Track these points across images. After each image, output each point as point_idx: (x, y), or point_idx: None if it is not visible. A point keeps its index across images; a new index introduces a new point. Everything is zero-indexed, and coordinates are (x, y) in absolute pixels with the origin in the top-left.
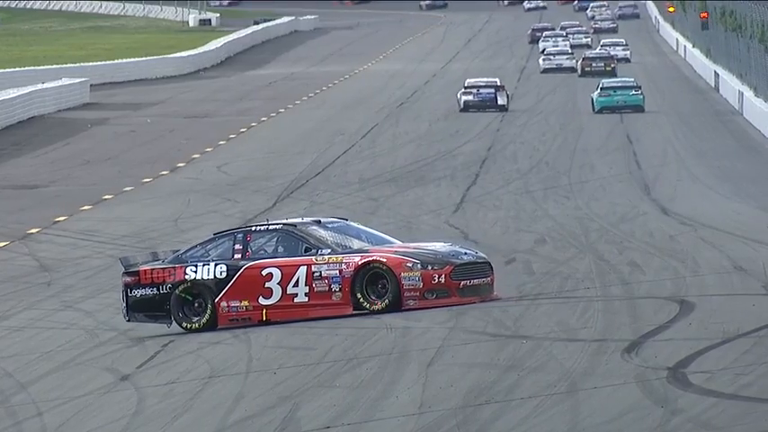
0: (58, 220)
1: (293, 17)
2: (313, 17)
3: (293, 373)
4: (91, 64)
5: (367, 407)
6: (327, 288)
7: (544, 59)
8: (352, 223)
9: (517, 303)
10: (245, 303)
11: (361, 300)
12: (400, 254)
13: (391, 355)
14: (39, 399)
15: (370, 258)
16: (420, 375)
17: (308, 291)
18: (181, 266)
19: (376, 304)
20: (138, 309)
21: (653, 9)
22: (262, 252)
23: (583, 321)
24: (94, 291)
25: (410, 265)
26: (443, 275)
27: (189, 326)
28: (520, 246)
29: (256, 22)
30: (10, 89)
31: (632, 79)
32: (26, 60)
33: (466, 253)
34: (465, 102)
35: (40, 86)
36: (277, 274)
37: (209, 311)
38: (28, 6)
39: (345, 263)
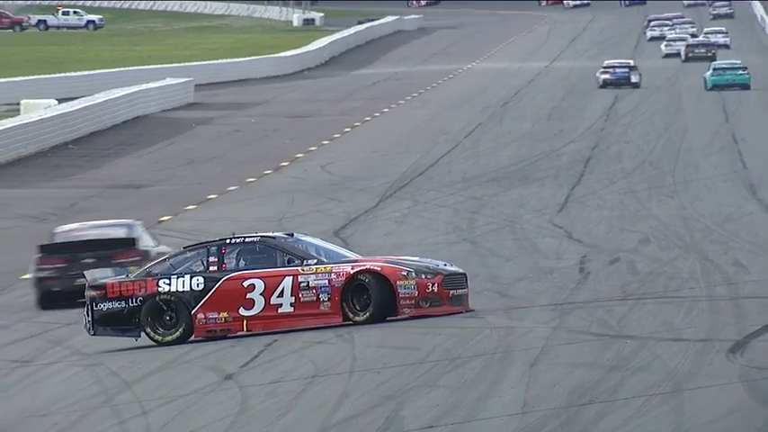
0: (162, 219)
1: (397, 17)
2: (417, 17)
3: (396, 373)
4: (195, 64)
5: (470, 406)
6: (315, 298)
7: (666, 45)
8: (301, 237)
9: (621, 303)
10: (224, 315)
11: (347, 310)
12: (392, 263)
13: (494, 355)
14: (143, 398)
15: (363, 267)
16: (523, 375)
17: (293, 301)
18: (152, 279)
19: (358, 315)
20: (104, 322)
21: (758, 8)
22: (239, 264)
23: (687, 321)
24: None
25: (405, 273)
26: (436, 284)
27: (161, 338)
28: (624, 245)
29: (360, 22)
30: (115, 89)
31: (740, 61)
32: (131, 60)
33: (445, 264)
34: (603, 80)
35: (144, 86)
36: (260, 284)
37: (183, 323)
38: (133, 7)
39: (336, 272)
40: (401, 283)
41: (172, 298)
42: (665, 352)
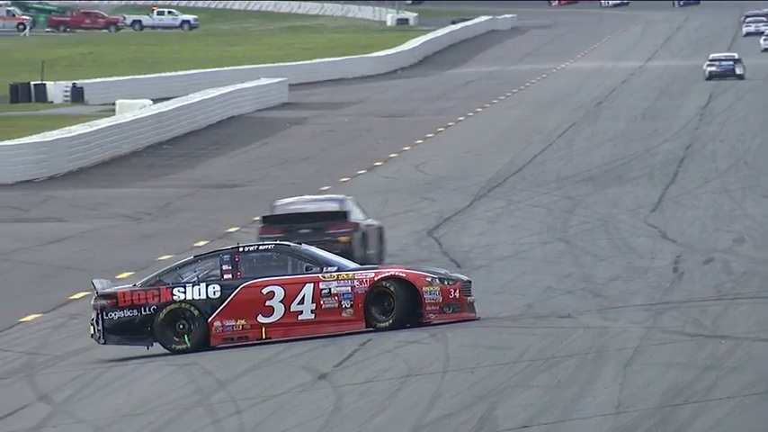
0: (256, 219)
1: (490, 17)
2: (511, 16)
3: (490, 373)
4: (289, 64)
5: (564, 406)
6: (337, 305)
7: (765, 40)
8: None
9: (716, 303)
10: (242, 322)
11: (371, 316)
12: (413, 270)
13: (588, 355)
14: (237, 397)
15: (388, 274)
16: (617, 375)
17: (314, 308)
18: (166, 288)
19: (381, 322)
20: (115, 331)
21: None
22: (254, 272)
23: None
24: None
25: (429, 279)
26: (458, 290)
27: (176, 347)
28: (718, 245)
29: (454, 22)
30: (210, 89)
31: None
32: (225, 60)
33: (453, 272)
34: (710, 72)
35: (239, 86)
36: (279, 292)
37: (200, 332)
38: (227, 7)
39: (358, 279)
40: (426, 289)
41: (187, 306)
42: (760, 352)
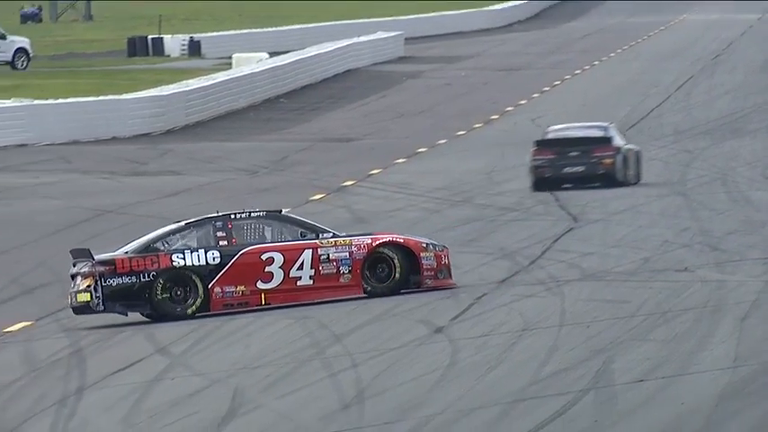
0: (372, 172)
1: None
2: None
3: (606, 327)
4: (405, 17)
5: (681, 360)
6: (335, 270)
7: None
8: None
9: None
10: (242, 288)
11: (368, 281)
12: (405, 236)
13: (705, 309)
14: (353, 350)
15: (385, 240)
16: (734, 329)
17: (313, 273)
18: (165, 254)
19: (379, 287)
20: (114, 298)
21: None
22: (248, 238)
23: None
24: None
25: (425, 245)
26: (447, 256)
27: (176, 313)
28: None
29: None
30: (326, 43)
31: None
32: (342, 14)
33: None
34: None
35: (355, 40)
36: (278, 258)
37: (200, 298)
38: None
39: (356, 245)
40: (423, 254)
41: (187, 272)
42: None
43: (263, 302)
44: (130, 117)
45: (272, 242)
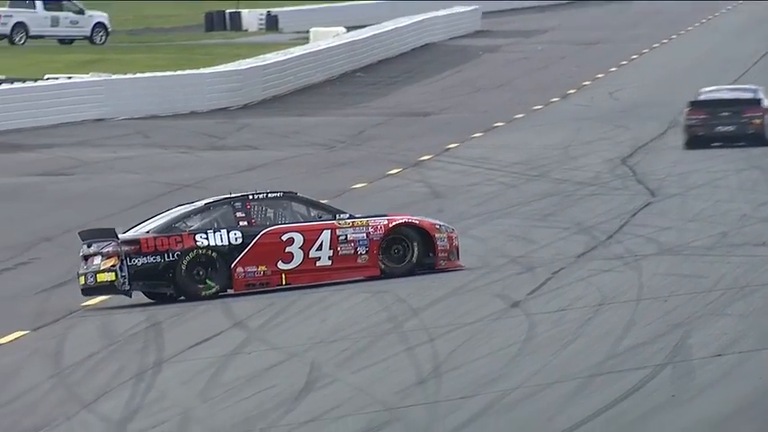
0: (449, 147)
1: None
2: None
3: (684, 301)
4: None
5: (758, 336)
6: (353, 251)
7: None
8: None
9: None
10: (263, 268)
11: (385, 262)
12: (420, 218)
13: None
14: (430, 325)
15: (401, 221)
16: None
17: (331, 254)
18: (188, 234)
19: (395, 268)
20: (139, 277)
21: None
22: (266, 219)
23: None
24: (484, 218)
25: (438, 227)
26: (456, 238)
27: (199, 293)
28: None
29: None
30: (402, 17)
31: None
32: None
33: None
34: None
35: (432, 14)
36: (298, 238)
37: (223, 277)
38: None
39: (372, 226)
40: (438, 236)
41: (210, 252)
42: None
43: (284, 282)
44: (208, 91)
45: (290, 223)
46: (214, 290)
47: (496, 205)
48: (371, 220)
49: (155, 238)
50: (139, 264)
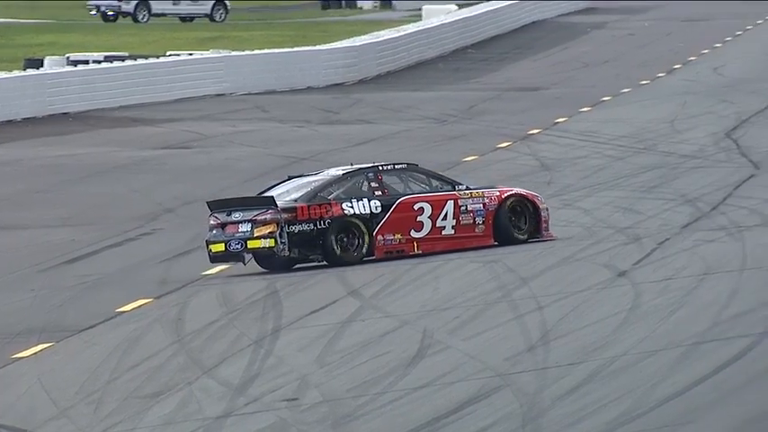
0: (558, 121)
1: None
2: None
3: None
4: None
5: None
6: (472, 221)
7: None
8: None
9: None
10: (398, 236)
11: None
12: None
13: None
14: (539, 293)
15: (512, 192)
16: None
17: (454, 223)
18: (336, 203)
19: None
20: (296, 243)
21: None
22: (395, 189)
23: None
24: (592, 190)
25: (541, 198)
26: (549, 212)
27: (344, 260)
28: None
29: None
30: None
31: None
32: None
33: None
34: None
35: None
36: (428, 208)
37: (366, 245)
38: None
39: (488, 197)
40: (542, 206)
41: (356, 221)
42: None
43: (416, 250)
44: (324, 68)
45: (415, 193)
46: (358, 256)
47: (603, 178)
48: (486, 191)
49: (308, 207)
50: (296, 231)
